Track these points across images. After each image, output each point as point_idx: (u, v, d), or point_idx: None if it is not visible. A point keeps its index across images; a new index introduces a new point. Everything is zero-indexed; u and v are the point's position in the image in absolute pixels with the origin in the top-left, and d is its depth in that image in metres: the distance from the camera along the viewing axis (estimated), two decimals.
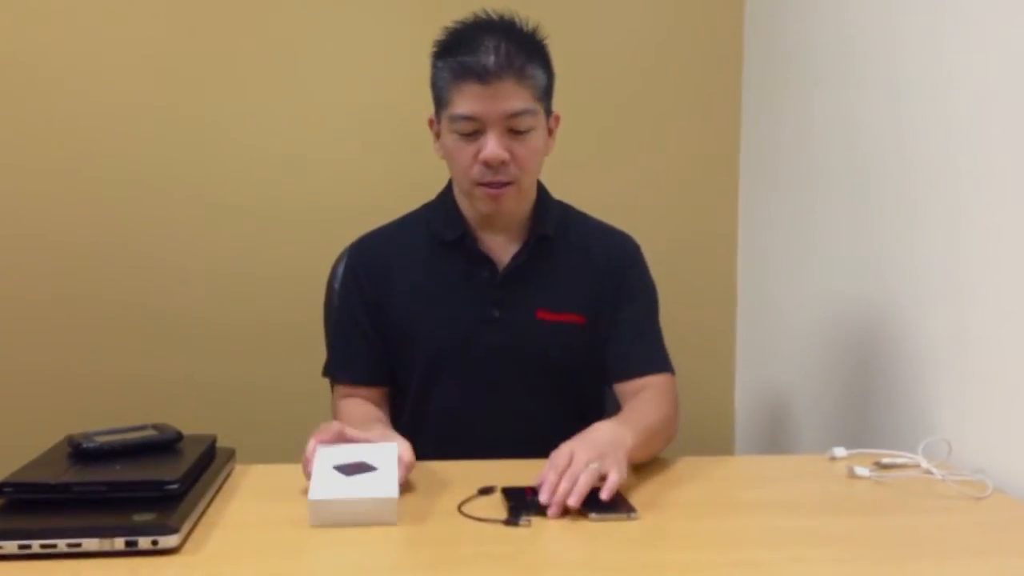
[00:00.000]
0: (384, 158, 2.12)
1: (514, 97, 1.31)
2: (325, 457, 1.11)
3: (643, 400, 1.39)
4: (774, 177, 2.08)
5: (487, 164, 1.33)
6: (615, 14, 2.18)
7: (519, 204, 1.41)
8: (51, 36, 2.02)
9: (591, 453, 1.13)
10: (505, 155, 1.32)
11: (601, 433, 1.20)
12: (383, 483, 1.06)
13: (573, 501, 1.07)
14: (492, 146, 1.31)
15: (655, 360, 1.45)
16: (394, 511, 1.04)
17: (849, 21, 1.74)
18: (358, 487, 1.05)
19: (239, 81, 2.08)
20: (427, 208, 1.52)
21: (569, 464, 1.11)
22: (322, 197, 2.11)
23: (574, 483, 1.09)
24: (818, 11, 1.88)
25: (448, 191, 1.49)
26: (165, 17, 2.05)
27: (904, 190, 1.54)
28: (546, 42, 1.39)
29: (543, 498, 1.09)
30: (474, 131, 1.33)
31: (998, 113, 1.30)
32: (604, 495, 1.09)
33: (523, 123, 1.33)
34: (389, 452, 1.13)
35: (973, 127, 1.36)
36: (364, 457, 1.11)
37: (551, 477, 1.10)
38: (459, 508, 1.10)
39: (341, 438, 1.16)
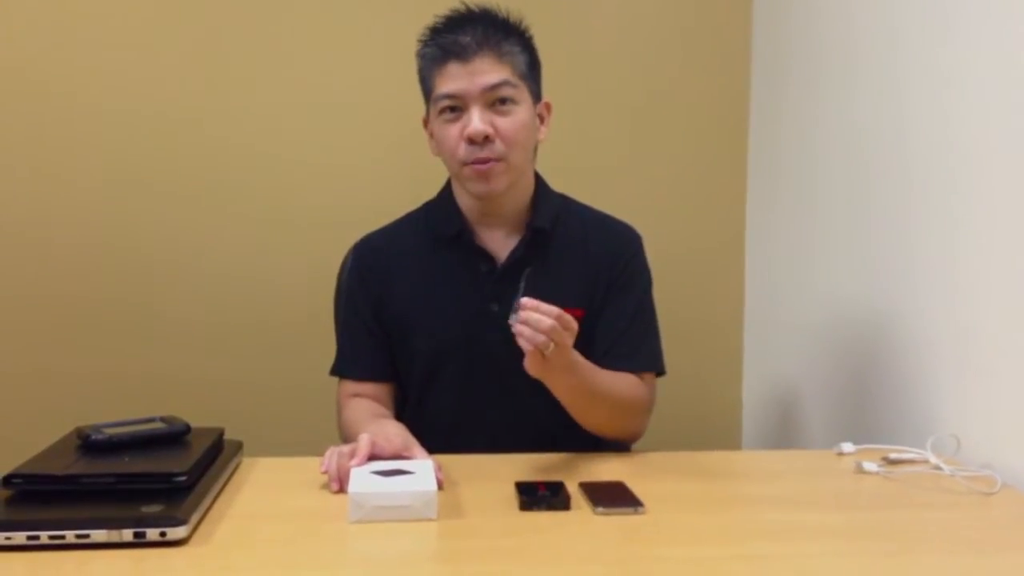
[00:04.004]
0: (389, 157, 2.12)
1: (493, 71, 1.34)
2: (363, 466, 1.13)
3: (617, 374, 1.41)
4: (782, 176, 2.08)
5: (471, 140, 1.34)
6: (623, 14, 2.17)
7: (512, 187, 1.40)
8: (55, 37, 2.03)
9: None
10: (488, 129, 1.33)
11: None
12: (421, 480, 1.08)
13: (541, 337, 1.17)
14: (475, 121, 1.33)
15: (638, 358, 1.45)
16: (434, 505, 1.05)
17: (852, 22, 1.74)
18: (398, 483, 1.07)
19: (243, 82, 2.09)
20: (427, 206, 1.53)
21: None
22: (327, 197, 2.12)
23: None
24: (823, 12, 1.88)
25: (447, 188, 1.50)
26: (170, 18, 2.06)
27: (907, 188, 1.53)
28: (528, 31, 1.41)
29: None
30: (458, 110, 1.35)
31: (998, 113, 1.30)
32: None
33: (504, 94, 1.34)
34: (424, 462, 1.15)
35: (973, 126, 1.36)
36: (400, 465, 1.14)
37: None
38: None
39: (371, 454, 1.17)
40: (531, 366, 1.21)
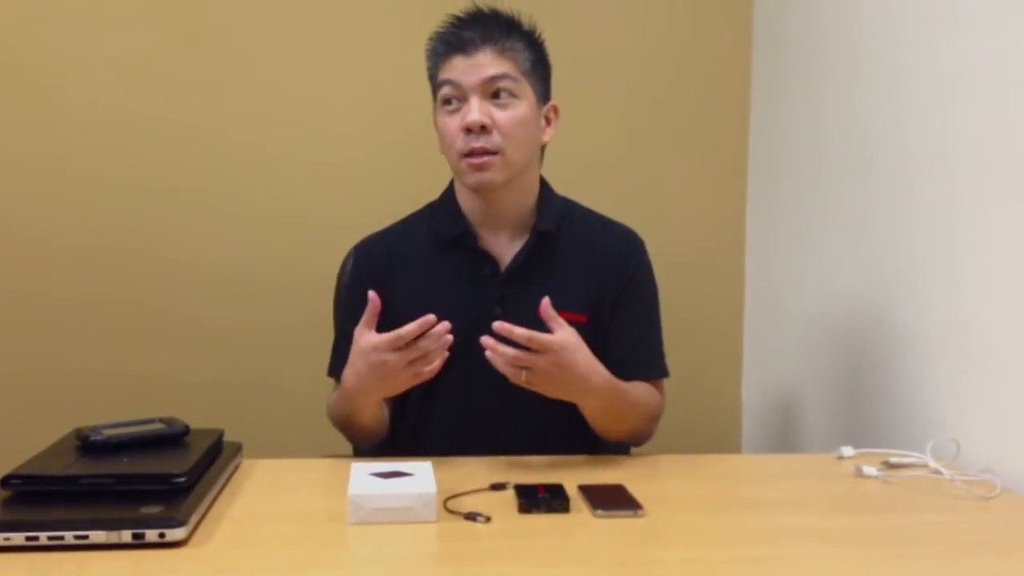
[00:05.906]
0: (391, 159, 2.11)
1: (493, 65, 1.36)
2: (362, 468, 1.13)
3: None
4: (782, 176, 2.07)
5: (469, 129, 1.35)
6: (624, 13, 2.17)
7: (510, 185, 1.40)
8: (56, 36, 2.03)
9: (553, 364, 1.22)
10: (485, 119, 1.34)
11: (583, 368, 1.27)
12: (421, 482, 1.08)
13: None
14: (473, 110, 1.35)
15: (652, 366, 1.47)
16: (433, 507, 1.05)
17: (852, 21, 1.74)
18: (397, 485, 1.07)
19: (244, 83, 2.08)
20: (429, 208, 1.53)
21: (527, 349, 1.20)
22: (329, 198, 2.11)
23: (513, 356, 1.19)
24: (823, 11, 1.87)
25: (450, 190, 1.49)
26: (169, 19, 2.05)
27: (908, 187, 1.53)
28: (537, 32, 1.43)
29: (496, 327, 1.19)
30: (458, 101, 1.37)
31: (999, 109, 1.30)
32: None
33: (503, 87, 1.36)
34: (423, 464, 1.15)
35: (975, 123, 1.35)
36: (400, 467, 1.13)
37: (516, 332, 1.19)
38: (445, 504, 1.11)
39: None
40: (516, 382, 1.23)
